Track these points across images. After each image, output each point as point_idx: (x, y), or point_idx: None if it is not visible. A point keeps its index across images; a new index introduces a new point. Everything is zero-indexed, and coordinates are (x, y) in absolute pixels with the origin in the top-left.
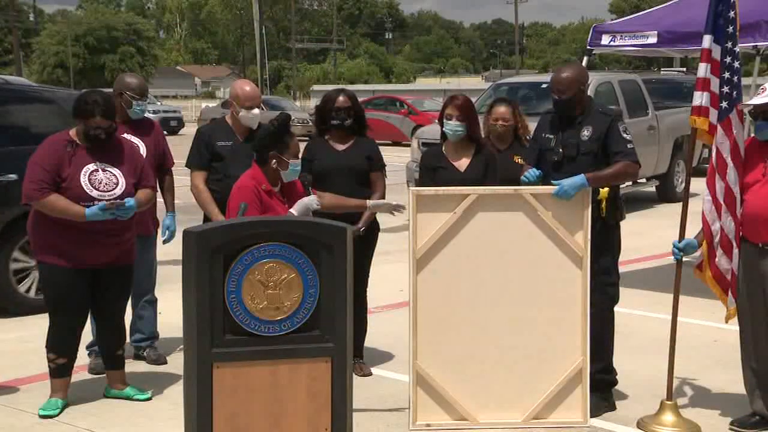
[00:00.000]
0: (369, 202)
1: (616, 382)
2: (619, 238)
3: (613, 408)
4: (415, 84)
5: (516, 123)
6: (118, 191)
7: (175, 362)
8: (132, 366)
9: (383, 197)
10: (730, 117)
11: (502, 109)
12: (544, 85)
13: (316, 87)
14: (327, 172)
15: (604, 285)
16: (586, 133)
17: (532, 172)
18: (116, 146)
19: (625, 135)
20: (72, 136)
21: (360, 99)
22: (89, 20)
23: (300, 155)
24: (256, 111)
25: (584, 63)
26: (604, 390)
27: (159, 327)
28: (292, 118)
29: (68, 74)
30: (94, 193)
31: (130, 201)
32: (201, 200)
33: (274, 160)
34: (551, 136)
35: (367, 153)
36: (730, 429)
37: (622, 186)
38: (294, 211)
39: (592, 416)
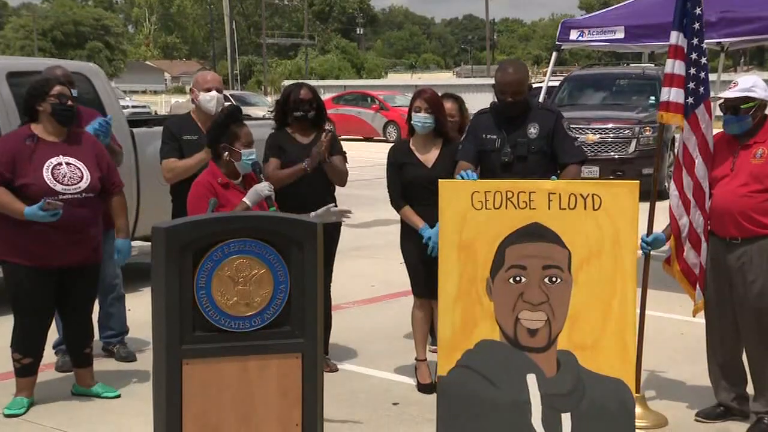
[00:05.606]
0: (312, 214)
1: None
2: None
3: None
4: (386, 79)
5: (462, 119)
6: (83, 185)
7: (144, 359)
8: (100, 364)
9: (344, 181)
10: (696, 113)
11: (448, 105)
12: None
13: (287, 82)
14: (293, 165)
15: None
16: (533, 130)
17: (470, 174)
18: (78, 139)
19: (569, 133)
20: (33, 130)
21: (331, 94)
22: (56, 14)
23: (254, 144)
24: (213, 93)
25: (553, 58)
26: None
27: (128, 324)
28: (264, 113)
29: None
30: (58, 187)
31: (123, 253)
32: (181, 166)
33: (226, 152)
34: (494, 137)
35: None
36: (696, 420)
37: None
38: (246, 199)
39: None
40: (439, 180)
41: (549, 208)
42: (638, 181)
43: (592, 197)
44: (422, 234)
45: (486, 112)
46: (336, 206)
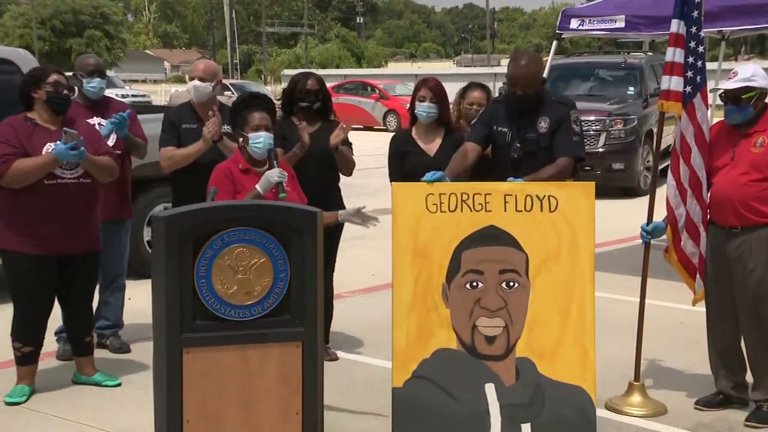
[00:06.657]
0: (341, 213)
1: None
2: None
3: None
4: (386, 69)
5: None
6: (81, 170)
7: (144, 348)
8: (100, 352)
9: (351, 171)
10: (694, 102)
11: (476, 94)
12: None
13: (286, 71)
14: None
15: None
16: (543, 124)
17: (429, 175)
18: (72, 126)
19: (574, 126)
20: (29, 116)
21: (331, 83)
22: (55, 2)
23: (265, 129)
24: (194, 82)
25: (554, 47)
26: None
27: (128, 312)
28: None
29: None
30: (57, 171)
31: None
32: (179, 154)
33: (240, 138)
34: (505, 130)
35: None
36: (696, 408)
37: None
38: (258, 186)
39: None
40: (392, 183)
41: (505, 210)
42: (594, 182)
43: (548, 199)
44: None
45: (500, 101)
46: (365, 208)
